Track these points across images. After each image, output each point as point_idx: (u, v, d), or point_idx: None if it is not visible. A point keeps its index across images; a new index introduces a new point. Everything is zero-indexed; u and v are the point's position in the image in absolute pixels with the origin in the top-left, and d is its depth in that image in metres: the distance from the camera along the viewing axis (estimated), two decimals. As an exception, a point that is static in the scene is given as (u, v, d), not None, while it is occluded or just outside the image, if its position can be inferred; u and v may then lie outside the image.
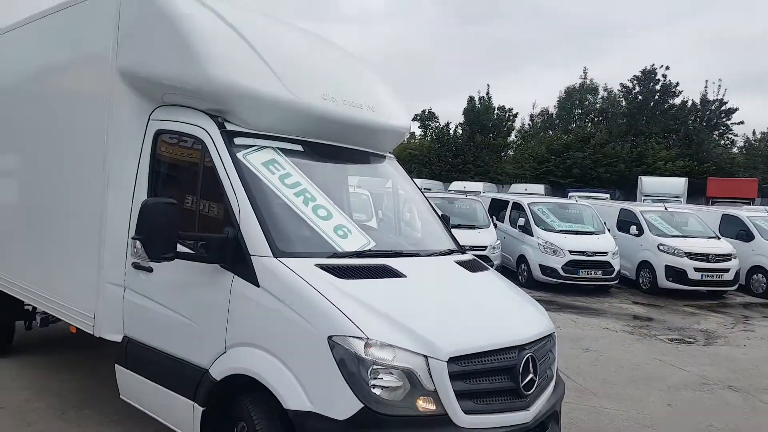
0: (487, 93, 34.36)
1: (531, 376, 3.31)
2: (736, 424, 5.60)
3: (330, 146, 4.23)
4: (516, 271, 13.99)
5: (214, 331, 3.42)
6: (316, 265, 3.29)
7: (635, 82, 34.81)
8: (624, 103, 35.60)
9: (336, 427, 2.85)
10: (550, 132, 37.07)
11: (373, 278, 3.38)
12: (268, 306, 3.19)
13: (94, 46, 4.33)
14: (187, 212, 3.81)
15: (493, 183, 31.05)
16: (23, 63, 5.48)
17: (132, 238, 3.66)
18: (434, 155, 33.33)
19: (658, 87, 33.96)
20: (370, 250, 3.69)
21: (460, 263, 4.10)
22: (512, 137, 36.27)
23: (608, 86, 37.07)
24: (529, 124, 43.57)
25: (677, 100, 34.04)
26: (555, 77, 73.09)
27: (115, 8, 4.11)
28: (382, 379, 2.88)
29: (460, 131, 34.70)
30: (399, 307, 3.18)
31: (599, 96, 37.43)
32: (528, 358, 3.31)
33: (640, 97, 34.56)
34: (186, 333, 3.63)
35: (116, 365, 4.18)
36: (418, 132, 38.05)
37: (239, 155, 3.63)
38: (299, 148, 3.99)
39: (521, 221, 13.96)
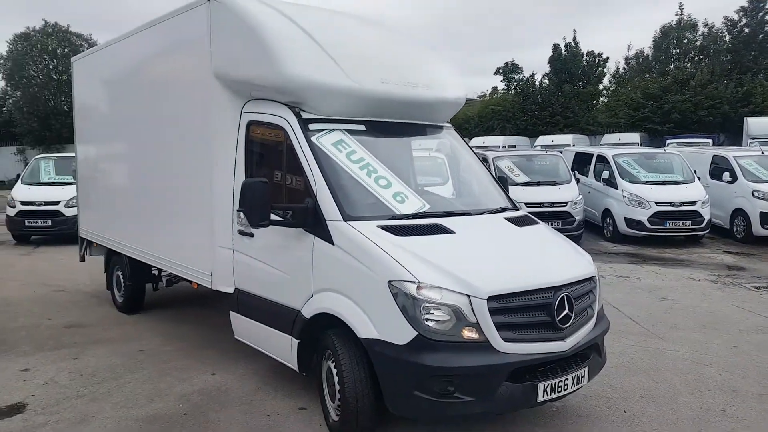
0: (574, 39, 33.08)
1: (566, 312, 3.87)
2: (801, 363, 5.81)
3: (390, 123, 4.89)
4: (601, 225, 14.07)
5: (303, 280, 4.25)
6: (377, 225, 4.00)
7: (741, 14, 32.28)
8: (728, 38, 33.14)
9: (397, 349, 3.60)
10: (647, 75, 35.22)
11: (425, 235, 4.04)
12: (342, 259, 3.96)
13: (194, 52, 5.19)
14: (276, 187, 4.63)
15: (584, 135, 30.24)
16: (138, 65, 6.51)
17: (237, 211, 4.52)
18: (518, 109, 32.72)
19: (768, 18, 31.42)
20: (424, 212, 4.34)
21: (509, 219, 4.66)
22: (604, 84, 34.87)
23: (709, 21, 34.64)
24: (624, 68, 41.61)
25: (790, 32, 31.41)
26: (649, 16, 68.28)
27: (207, 19, 4.93)
28: (432, 313, 3.57)
29: (546, 82, 33.75)
30: (446, 257, 3.84)
31: (699, 33, 35.01)
32: (563, 297, 3.87)
33: (746, 30, 32.04)
34: (282, 283, 4.49)
35: (230, 312, 5.16)
36: (501, 86, 37.38)
37: (313, 138, 4.38)
38: (362, 127, 4.68)
39: (605, 174, 13.96)
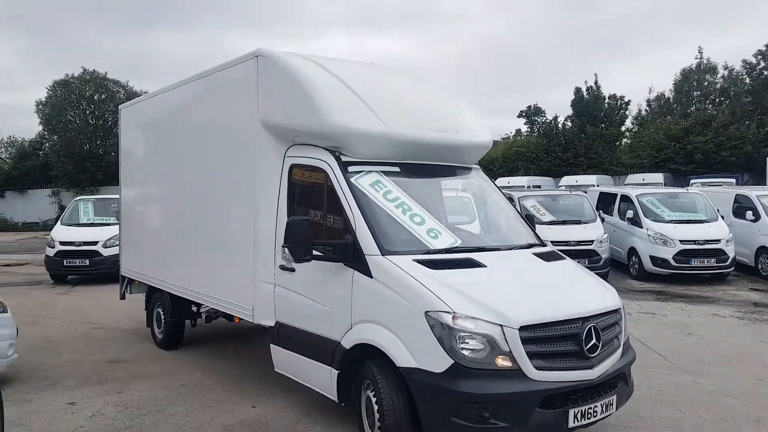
0: (596, 82, 33.63)
1: (593, 342, 4.09)
2: (826, 396, 5.88)
3: (422, 165, 5.24)
4: (627, 263, 14.17)
5: (343, 312, 4.54)
6: (413, 260, 4.30)
7: (759, 57, 32.56)
8: (747, 80, 33.38)
9: (434, 377, 3.85)
10: (668, 117, 35.45)
11: (459, 268, 4.33)
12: (380, 292, 4.25)
13: (242, 101, 5.63)
14: (317, 224, 4.98)
15: (608, 175, 30.39)
16: (187, 112, 7.02)
17: (282, 246, 4.86)
18: (542, 151, 33.10)
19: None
20: (457, 246, 4.64)
21: (537, 254, 4.93)
22: (627, 125, 35.16)
23: (728, 64, 34.97)
24: (646, 110, 41.90)
25: (810, 73, 31.57)
26: (669, 60, 69.00)
27: (255, 71, 5.38)
28: (467, 342, 3.82)
29: (569, 124, 34.15)
30: (479, 289, 4.11)
31: (719, 75, 35.34)
32: (591, 327, 4.10)
33: (765, 72, 32.29)
34: (322, 315, 4.78)
35: (271, 345, 5.45)
36: (524, 128, 37.95)
37: (352, 179, 4.75)
38: (397, 169, 5.04)
39: (630, 213, 14.14)
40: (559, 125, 34.20)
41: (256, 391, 6.10)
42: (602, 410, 4.14)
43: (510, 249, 5.07)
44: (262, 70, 5.33)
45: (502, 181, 28.91)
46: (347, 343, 4.47)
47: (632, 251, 13.88)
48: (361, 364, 4.42)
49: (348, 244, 4.49)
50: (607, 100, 33.44)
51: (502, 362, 3.84)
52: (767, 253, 13.36)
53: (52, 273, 14.12)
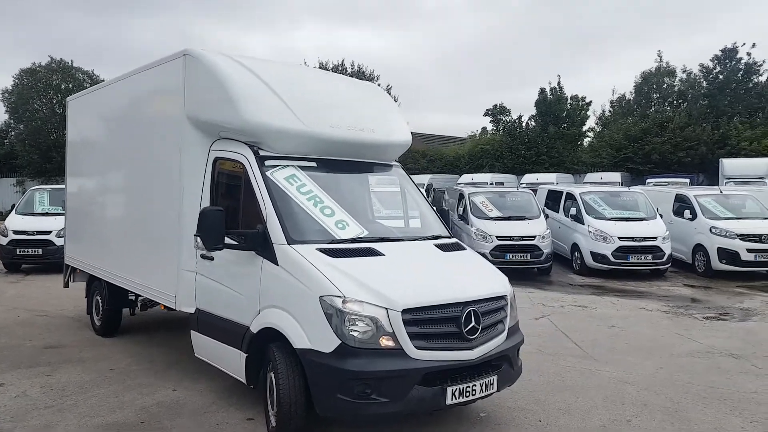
0: (558, 83, 34.36)
1: (473, 324, 4.46)
2: (715, 383, 6.34)
3: (340, 161, 5.56)
4: (570, 258, 14.71)
5: (253, 298, 4.84)
6: (316, 248, 4.62)
7: (715, 62, 33.64)
8: (704, 84, 34.43)
9: (324, 356, 4.18)
10: (629, 119, 36.41)
11: (357, 257, 4.66)
12: (283, 278, 4.56)
13: (171, 97, 5.86)
14: (235, 213, 5.26)
15: (569, 173, 31.13)
16: (122, 106, 7.23)
17: (194, 235, 5.13)
18: (506, 149, 33.75)
19: (741, 66, 32.65)
20: (362, 237, 4.97)
21: (438, 245, 5.30)
22: (588, 126, 36.02)
23: (687, 68, 36.04)
24: (609, 111, 42.88)
25: (762, 78, 32.65)
26: (635, 61, 70.76)
27: (182, 69, 5.63)
28: (355, 324, 4.15)
29: (532, 123, 34.86)
30: (371, 275, 4.44)
31: (677, 78, 36.36)
32: (471, 311, 4.47)
33: (720, 77, 33.37)
34: (235, 302, 5.07)
35: (191, 331, 5.72)
36: (489, 127, 38.54)
37: (267, 173, 5.04)
38: (313, 164, 5.34)
39: (573, 210, 14.67)
40: (523, 124, 34.86)
41: (180, 375, 6.36)
42: (481, 389, 4.51)
43: (415, 240, 5.42)
44: (190, 69, 5.58)
45: (466, 177, 29.42)
46: (255, 328, 4.77)
47: (575, 247, 14.42)
48: (266, 347, 4.72)
49: (259, 234, 4.79)
50: (569, 101, 34.18)
51: (385, 342, 4.18)
52: (703, 250, 13.98)
53: (5, 262, 14.11)
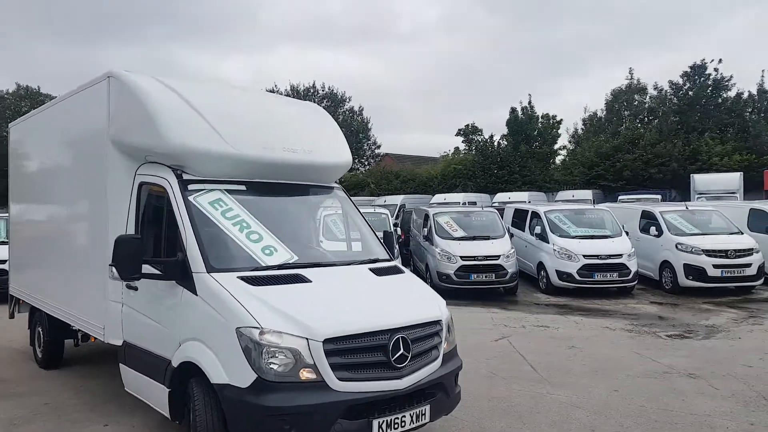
0: (529, 102, 34.71)
1: (401, 352, 4.26)
2: (669, 405, 6.18)
3: (273, 184, 5.36)
4: (537, 277, 14.60)
5: (173, 330, 4.60)
6: (237, 276, 4.39)
7: (685, 78, 34.19)
8: (675, 99, 34.96)
9: (241, 392, 3.94)
10: (601, 136, 36.81)
11: (281, 284, 4.44)
12: (202, 309, 4.33)
13: (96, 121, 5.66)
14: (158, 241, 5.03)
15: (541, 192, 31.29)
16: (54, 131, 6.99)
17: (109, 265, 4.89)
18: (479, 168, 33.88)
19: (710, 82, 33.23)
20: (289, 263, 4.76)
21: (373, 269, 5.10)
22: (560, 144, 36.35)
23: (658, 84, 36.59)
24: (582, 129, 43.35)
25: (731, 94, 33.24)
26: (606, 79, 72.10)
27: (106, 92, 5.43)
28: (274, 357, 3.93)
29: (504, 143, 35.09)
30: (293, 304, 4.23)
31: (648, 95, 36.91)
32: (399, 339, 4.27)
33: (690, 93, 33.91)
34: (158, 334, 4.82)
35: (120, 364, 5.44)
36: (462, 147, 38.74)
37: (190, 198, 4.83)
38: (242, 188, 5.14)
39: (537, 229, 14.60)
40: (495, 143, 35.06)
41: (117, 409, 6.05)
42: (412, 420, 4.30)
43: (350, 264, 5.22)
44: (113, 91, 5.39)
45: (438, 197, 29.39)
46: (175, 362, 4.52)
47: (540, 266, 14.32)
48: (187, 381, 4.47)
49: (178, 262, 4.56)
50: (540, 120, 34.48)
51: (306, 375, 3.96)
52: (670, 267, 13.95)
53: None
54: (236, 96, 5.67)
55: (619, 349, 8.70)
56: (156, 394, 4.86)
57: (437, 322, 4.75)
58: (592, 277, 13.32)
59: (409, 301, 4.85)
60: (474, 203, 27.63)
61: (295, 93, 42.87)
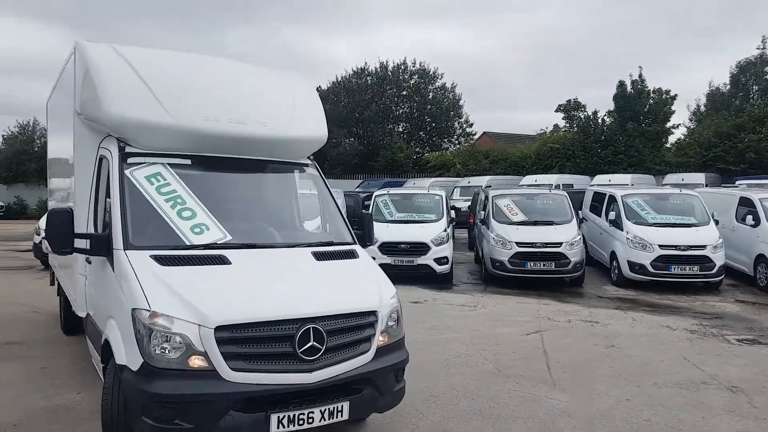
0: (640, 76, 31.74)
1: (311, 344, 3.89)
2: (683, 422, 5.29)
3: (224, 158, 5.09)
4: (609, 268, 13.38)
5: (104, 305, 4.52)
6: (151, 255, 4.18)
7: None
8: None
9: (133, 375, 3.77)
10: (724, 113, 33.11)
11: (195, 265, 4.18)
12: (115, 286, 4.19)
13: (69, 93, 5.69)
14: (106, 216, 4.96)
15: (649, 174, 28.73)
16: (55, 104, 7.28)
17: (42, 238, 4.87)
18: (578, 147, 31.67)
19: None
20: (218, 243, 4.48)
21: (316, 253, 4.71)
22: (674, 122, 32.98)
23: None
24: (705, 106, 39.42)
25: None
26: (729, 52, 64.45)
27: (73, 64, 5.43)
28: (163, 341, 3.70)
29: (609, 119, 32.49)
30: (196, 288, 3.96)
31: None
32: (309, 329, 3.90)
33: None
34: (98, 308, 4.79)
35: (85, 335, 5.51)
36: (562, 123, 36.34)
37: (126, 171, 4.68)
38: (188, 161, 4.92)
39: (612, 215, 13.34)
40: (599, 120, 32.61)
41: (96, 379, 6.16)
42: (324, 417, 3.92)
43: (294, 247, 4.86)
44: (78, 63, 5.34)
45: (528, 179, 27.94)
46: (103, 337, 4.44)
47: (613, 255, 13.07)
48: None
49: (104, 238, 4.46)
50: (651, 95, 31.58)
51: (197, 362, 3.70)
52: (766, 262, 12.22)
53: (40, 258, 14.88)
54: (195, 66, 5.38)
55: (665, 352, 7.66)
56: (99, 369, 4.84)
57: (370, 313, 4.31)
58: (669, 270, 11.94)
59: (338, 289, 4.43)
60: (570, 186, 26.04)
61: (384, 70, 42.49)
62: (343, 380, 4.05)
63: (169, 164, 4.85)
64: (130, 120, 4.73)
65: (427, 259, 12.48)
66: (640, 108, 31.45)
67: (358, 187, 26.96)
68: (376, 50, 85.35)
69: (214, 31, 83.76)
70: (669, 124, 31.82)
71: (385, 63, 41.97)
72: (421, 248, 12.54)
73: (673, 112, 31.73)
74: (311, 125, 5.55)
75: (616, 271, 12.86)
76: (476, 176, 29.55)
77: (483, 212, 13.98)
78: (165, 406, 3.65)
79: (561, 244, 12.18)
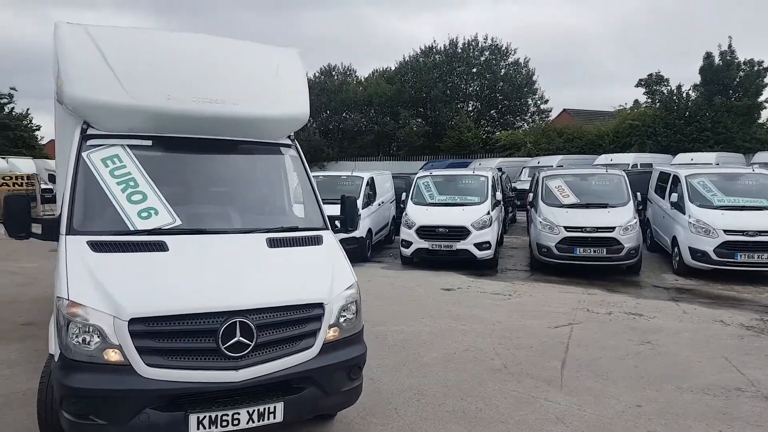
0: (729, 46, 28.97)
1: (236, 339, 3.61)
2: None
3: (187, 139, 4.85)
4: (671, 254, 12.29)
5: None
6: (87, 241, 4.02)
7: None
8: None
9: (55, 366, 3.65)
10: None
11: (129, 252, 3.97)
12: (55, 273, 4.08)
13: (54, 77, 5.66)
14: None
15: (738, 153, 26.36)
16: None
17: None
18: (660, 124, 29.43)
19: None
20: (165, 228, 4.25)
21: (271, 239, 4.40)
22: (767, 96, 29.95)
23: None
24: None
25: None
26: None
27: (53, 47, 5.36)
28: (78, 332, 3.54)
29: (693, 94, 29.94)
30: (120, 276, 3.75)
31: None
32: (235, 323, 3.63)
33: None
34: None
35: None
36: (642, 99, 33.84)
37: (84, 154, 4.55)
38: (148, 143, 4.73)
39: (674, 197, 12.21)
40: (683, 95, 30.19)
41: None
42: (252, 419, 3.63)
43: (248, 233, 4.56)
44: (54, 45, 5.27)
45: (603, 158, 26.35)
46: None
47: (674, 241, 11.97)
48: None
49: (54, 222, 4.35)
50: (742, 67, 28.85)
51: (112, 356, 3.51)
52: None
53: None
54: (169, 45, 5.14)
55: (706, 351, 6.84)
56: None
57: (315, 306, 3.96)
58: (734, 258, 10.77)
59: (280, 280, 4.09)
60: (649, 165, 24.32)
61: (453, 48, 41.19)
62: (277, 379, 3.76)
63: (129, 146, 4.68)
64: (89, 101, 4.57)
65: (466, 244, 11.93)
66: (729, 81, 28.83)
67: (421, 168, 26.44)
68: (452, 27, 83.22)
69: (287, 12, 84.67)
70: (761, 98, 28.98)
71: (455, 40, 40.71)
72: (460, 232, 12.00)
73: (766, 85, 28.85)
74: (290, 103, 5.20)
75: (677, 259, 11.77)
76: (548, 156, 28.23)
77: (530, 194, 13.19)
78: (80, 400, 3.50)
79: (614, 228, 11.28)
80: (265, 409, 3.68)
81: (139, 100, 4.59)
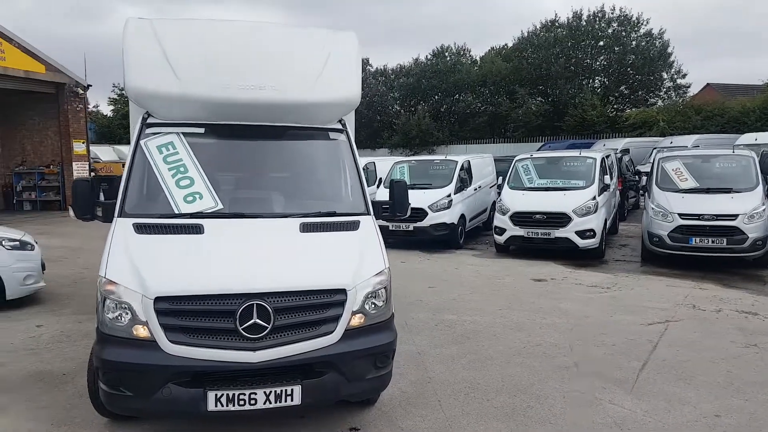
0: None
1: (253, 321, 3.69)
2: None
3: (237, 125, 4.98)
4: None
5: None
6: (133, 223, 4.27)
7: None
8: None
9: (96, 340, 3.95)
10: None
11: (167, 234, 4.17)
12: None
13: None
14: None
15: None
16: None
17: (69, 206, 5.23)
18: (820, 98, 25.74)
19: None
20: (206, 212, 4.40)
21: (305, 224, 4.40)
22: None
23: None
24: None
25: None
26: None
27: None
28: (112, 309, 3.78)
29: None
30: (154, 257, 3.95)
31: None
32: (253, 306, 3.70)
33: None
34: None
35: None
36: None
37: (142, 141, 4.84)
38: (201, 130, 4.91)
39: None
40: None
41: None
42: (269, 400, 3.69)
43: (282, 218, 4.58)
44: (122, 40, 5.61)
45: (747, 137, 23.55)
46: None
47: (813, 231, 10.44)
48: None
49: (112, 206, 4.66)
50: None
51: (141, 332, 3.72)
52: None
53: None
54: (221, 33, 5.16)
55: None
56: None
57: (337, 291, 3.92)
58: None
59: (304, 265, 4.10)
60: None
61: (578, 20, 38.32)
62: (296, 362, 3.77)
63: (183, 133, 4.90)
64: (147, 91, 4.83)
65: (567, 232, 11.25)
66: None
67: (539, 149, 25.30)
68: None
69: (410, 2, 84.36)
70: None
71: (578, 12, 38.14)
72: (560, 219, 11.34)
73: None
74: (339, 88, 5.13)
75: (817, 252, 10.29)
76: (683, 135, 25.81)
77: (644, 178, 12.13)
78: (111, 371, 3.74)
79: (737, 216, 10.08)
80: (282, 391, 3.71)
81: (191, 90, 4.76)
